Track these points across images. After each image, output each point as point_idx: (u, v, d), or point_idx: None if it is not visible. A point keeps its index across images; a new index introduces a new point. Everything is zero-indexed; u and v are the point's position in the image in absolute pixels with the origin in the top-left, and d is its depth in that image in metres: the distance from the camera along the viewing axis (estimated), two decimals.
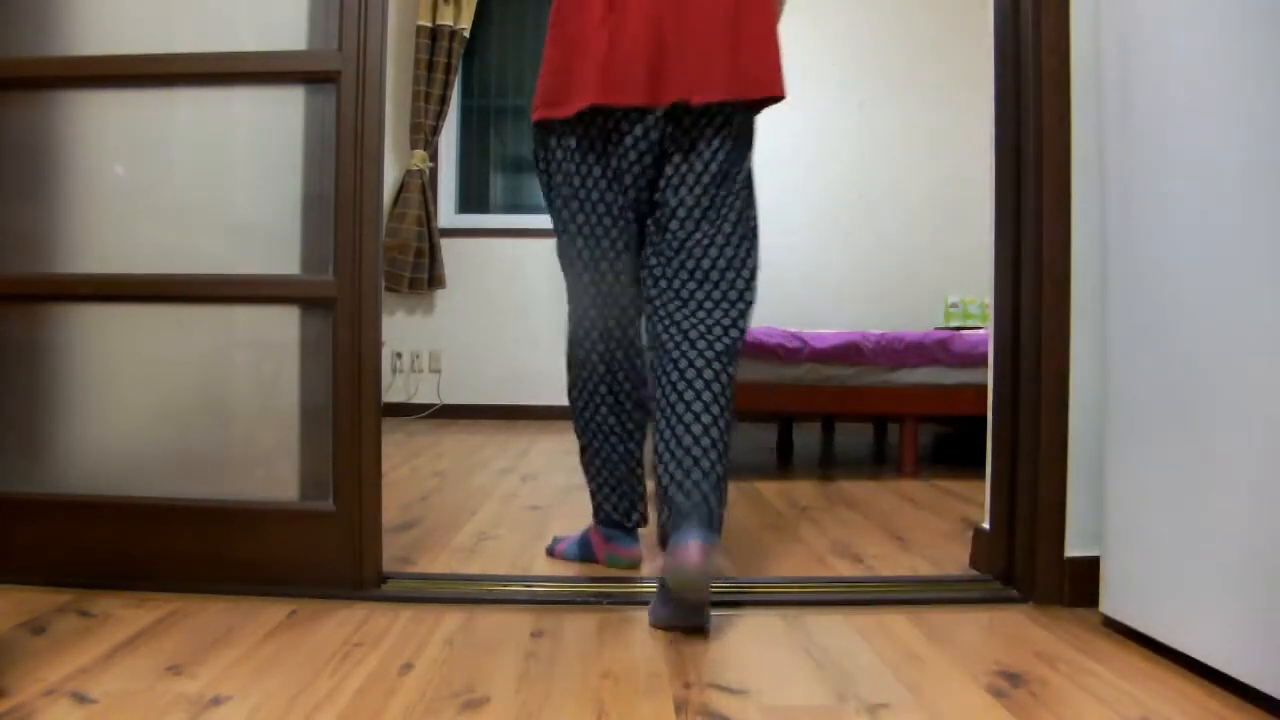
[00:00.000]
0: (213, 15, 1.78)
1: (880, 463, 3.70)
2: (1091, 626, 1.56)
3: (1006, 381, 1.80)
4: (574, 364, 1.87)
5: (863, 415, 4.33)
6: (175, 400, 1.80)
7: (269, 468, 1.78)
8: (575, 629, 1.53)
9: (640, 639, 1.48)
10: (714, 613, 1.61)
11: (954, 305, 4.79)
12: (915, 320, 4.81)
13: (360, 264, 1.71)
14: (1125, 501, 1.50)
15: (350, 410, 1.71)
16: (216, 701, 1.20)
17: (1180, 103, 1.36)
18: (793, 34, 5.19)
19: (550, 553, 2.02)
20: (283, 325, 1.77)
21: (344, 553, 1.71)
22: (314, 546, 1.71)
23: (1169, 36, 1.39)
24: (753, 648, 1.45)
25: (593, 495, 1.93)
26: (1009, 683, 1.30)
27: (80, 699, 1.19)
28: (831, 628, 1.55)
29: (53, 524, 1.75)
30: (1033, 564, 1.70)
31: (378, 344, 1.73)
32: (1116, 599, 1.52)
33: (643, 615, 1.60)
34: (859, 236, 4.97)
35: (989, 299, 1.86)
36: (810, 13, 4.99)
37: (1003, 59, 1.79)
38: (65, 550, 1.74)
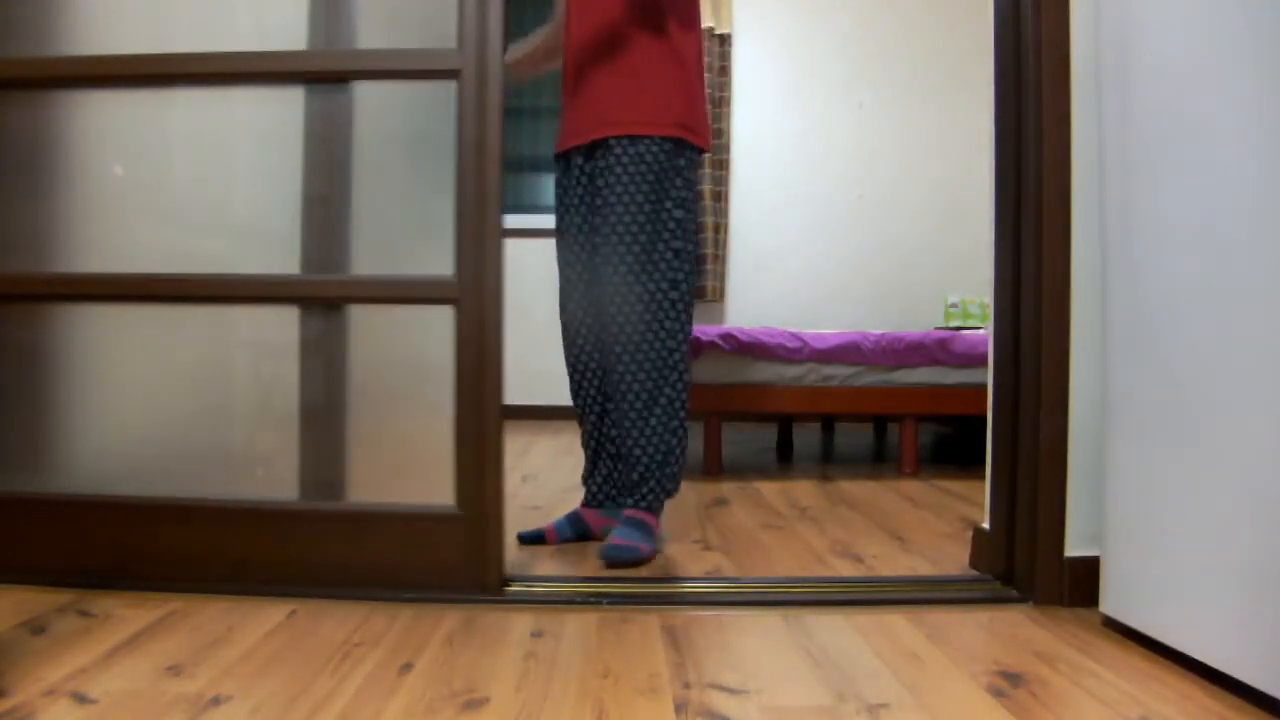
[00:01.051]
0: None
1: (880, 463, 3.70)
2: (1091, 626, 1.56)
3: (1006, 381, 1.80)
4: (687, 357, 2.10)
5: (863, 415, 4.33)
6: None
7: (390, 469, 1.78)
8: (575, 629, 1.53)
9: (640, 639, 1.48)
10: (714, 613, 1.62)
11: (954, 305, 4.79)
12: (915, 320, 4.81)
13: (483, 263, 1.69)
14: (1125, 501, 1.50)
15: (473, 411, 1.69)
16: (216, 701, 1.20)
17: (1180, 101, 1.36)
18: (793, 34, 5.21)
19: (623, 559, 1.94)
20: (412, 324, 1.77)
21: (468, 556, 1.69)
22: (436, 550, 1.69)
23: (1169, 36, 1.39)
24: (753, 648, 1.46)
25: (678, 473, 2.08)
26: (1009, 683, 1.30)
27: (80, 699, 1.19)
28: (831, 628, 1.55)
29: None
30: (1033, 564, 1.70)
31: (500, 345, 1.71)
32: (1116, 599, 1.52)
33: (643, 615, 1.61)
34: (859, 236, 4.97)
35: (989, 299, 1.86)
36: (811, 13, 4.99)
37: (1003, 59, 1.79)
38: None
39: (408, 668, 1.33)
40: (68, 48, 1.78)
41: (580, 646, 1.44)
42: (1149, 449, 1.43)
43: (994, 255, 1.82)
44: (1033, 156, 1.71)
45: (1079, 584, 1.66)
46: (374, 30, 1.76)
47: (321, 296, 1.75)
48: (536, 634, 1.50)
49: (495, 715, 1.17)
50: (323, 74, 1.75)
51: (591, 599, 1.69)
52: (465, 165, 1.69)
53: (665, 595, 1.74)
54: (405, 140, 1.80)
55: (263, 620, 1.54)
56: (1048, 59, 1.69)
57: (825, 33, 4.98)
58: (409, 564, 1.70)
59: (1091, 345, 1.68)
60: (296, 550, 1.71)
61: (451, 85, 1.70)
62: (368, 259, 1.77)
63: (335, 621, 1.54)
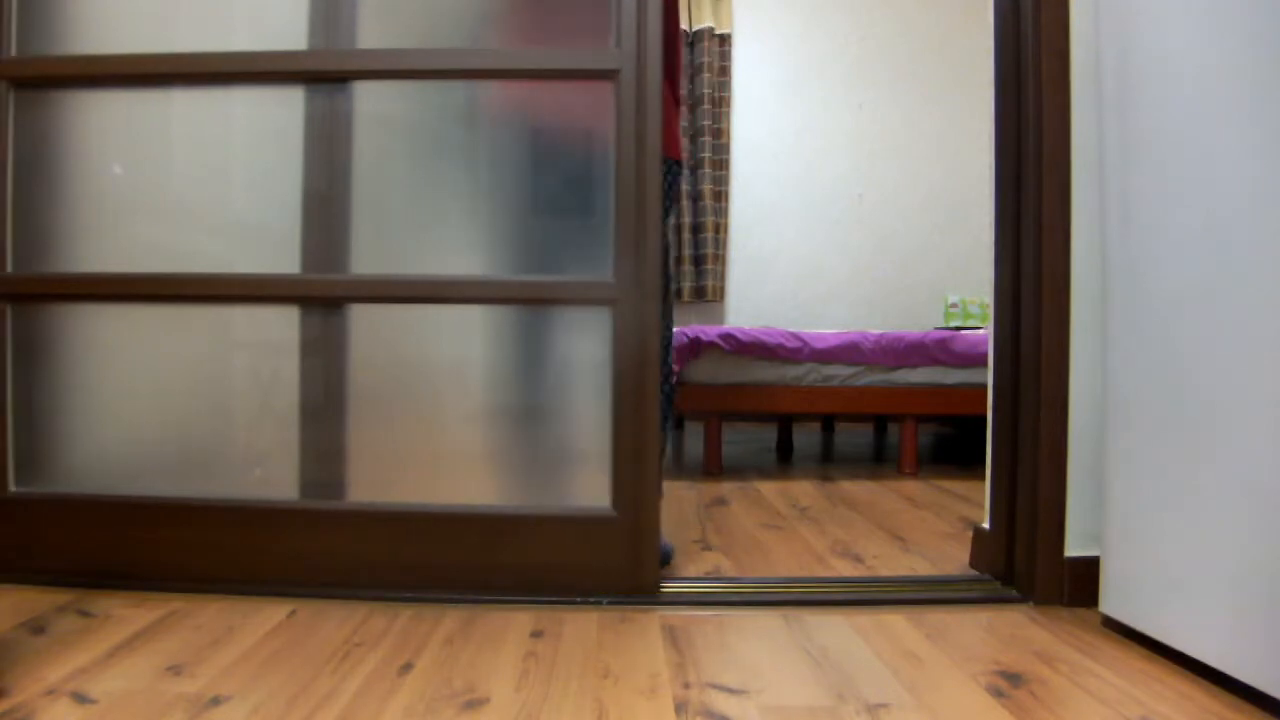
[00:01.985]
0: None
1: (880, 463, 3.70)
2: (1091, 626, 1.56)
3: (1006, 381, 1.80)
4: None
5: (863, 415, 4.33)
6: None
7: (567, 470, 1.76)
8: (575, 629, 1.53)
9: (640, 639, 1.48)
10: (714, 613, 1.62)
11: (954, 305, 4.79)
12: (915, 320, 4.81)
13: (642, 264, 1.68)
14: (1125, 501, 1.50)
15: (631, 415, 1.68)
16: (216, 701, 1.20)
17: (1179, 101, 1.36)
18: (793, 34, 5.21)
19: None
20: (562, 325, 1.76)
21: (624, 558, 1.69)
22: (591, 552, 1.69)
23: (1169, 36, 1.39)
24: (753, 648, 1.46)
25: None
26: (1009, 683, 1.30)
27: (80, 699, 1.19)
28: (831, 628, 1.55)
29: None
30: (1032, 564, 1.70)
31: (656, 348, 1.69)
32: (1116, 599, 1.52)
33: (642, 615, 1.61)
34: (859, 236, 4.97)
35: (989, 299, 1.86)
36: (811, 13, 4.99)
37: (1003, 59, 1.79)
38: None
39: (408, 668, 1.33)
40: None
41: (580, 646, 1.44)
42: (1149, 449, 1.43)
43: (994, 255, 1.82)
44: (1032, 156, 1.71)
45: (1079, 584, 1.66)
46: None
47: (485, 297, 1.74)
48: (536, 634, 1.50)
49: (495, 715, 1.17)
50: (481, 72, 1.74)
51: (592, 599, 1.69)
52: (623, 165, 1.68)
53: (665, 595, 1.74)
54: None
55: (263, 620, 1.54)
56: (1047, 59, 1.69)
57: (825, 33, 4.98)
58: (560, 566, 1.69)
59: (1091, 345, 1.68)
60: (466, 554, 1.71)
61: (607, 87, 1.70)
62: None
63: (335, 621, 1.54)
